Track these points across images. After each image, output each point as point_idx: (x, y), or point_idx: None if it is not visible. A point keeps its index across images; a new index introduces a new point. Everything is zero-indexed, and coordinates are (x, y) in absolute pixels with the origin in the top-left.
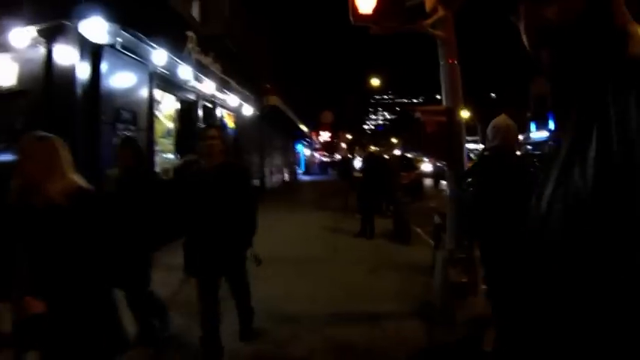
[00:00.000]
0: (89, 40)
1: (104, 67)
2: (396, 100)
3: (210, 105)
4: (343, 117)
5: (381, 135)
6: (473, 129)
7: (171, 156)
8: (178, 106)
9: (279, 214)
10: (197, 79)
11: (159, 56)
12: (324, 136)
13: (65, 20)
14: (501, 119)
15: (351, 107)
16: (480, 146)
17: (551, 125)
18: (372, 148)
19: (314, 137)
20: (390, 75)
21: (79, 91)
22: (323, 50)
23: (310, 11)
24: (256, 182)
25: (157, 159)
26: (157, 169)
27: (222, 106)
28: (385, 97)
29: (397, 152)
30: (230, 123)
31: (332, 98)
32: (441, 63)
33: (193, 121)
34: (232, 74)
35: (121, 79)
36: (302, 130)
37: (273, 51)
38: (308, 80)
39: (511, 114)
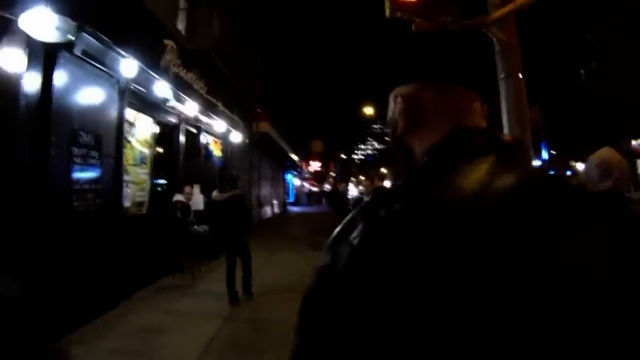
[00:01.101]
0: (37, 39)
1: (59, 76)
2: (386, 130)
3: (194, 130)
4: (334, 146)
5: (370, 165)
6: None
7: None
8: (157, 129)
9: (268, 254)
10: (178, 98)
11: (129, 67)
12: (314, 165)
13: (8, 13)
14: (612, 153)
15: (342, 136)
16: None
17: (545, 154)
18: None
19: (304, 166)
20: (380, 104)
21: (22, 103)
22: (316, 76)
23: (302, 35)
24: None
25: (128, 191)
26: (127, 203)
27: (208, 132)
28: (375, 126)
29: (387, 183)
30: (216, 151)
31: (322, 127)
32: (501, 76)
33: (174, 147)
34: (219, 95)
35: (81, 93)
36: (292, 159)
37: (265, 74)
38: (299, 107)
39: None
